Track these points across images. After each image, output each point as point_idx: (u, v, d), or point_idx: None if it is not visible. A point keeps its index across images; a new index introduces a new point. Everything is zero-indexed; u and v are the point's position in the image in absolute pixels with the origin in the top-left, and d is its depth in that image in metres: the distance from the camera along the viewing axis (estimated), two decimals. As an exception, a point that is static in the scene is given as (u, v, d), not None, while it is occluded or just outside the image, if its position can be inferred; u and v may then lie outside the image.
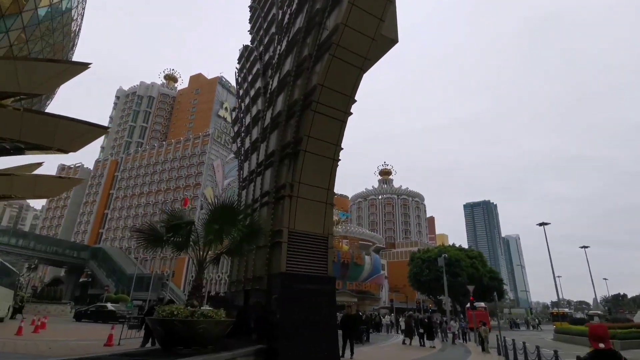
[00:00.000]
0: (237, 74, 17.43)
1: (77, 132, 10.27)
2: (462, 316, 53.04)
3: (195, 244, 7.94)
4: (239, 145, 15.58)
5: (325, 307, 8.70)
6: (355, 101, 10.00)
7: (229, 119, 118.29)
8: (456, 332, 22.93)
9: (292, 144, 9.67)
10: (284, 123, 10.49)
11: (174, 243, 7.71)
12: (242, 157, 14.42)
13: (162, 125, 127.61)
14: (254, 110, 13.59)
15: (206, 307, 7.36)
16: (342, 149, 10.11)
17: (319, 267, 9.05)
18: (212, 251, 8.36)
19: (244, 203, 11.85)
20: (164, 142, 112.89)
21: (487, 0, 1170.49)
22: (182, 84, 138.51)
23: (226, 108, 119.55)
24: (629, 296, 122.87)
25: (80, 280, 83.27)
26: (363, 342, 17.93)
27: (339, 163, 10.13)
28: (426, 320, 19.00)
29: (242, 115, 15.74)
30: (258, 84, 13.64)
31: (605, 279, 75.77)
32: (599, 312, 53.67)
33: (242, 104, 16.00)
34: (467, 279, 49.16)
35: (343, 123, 9.94)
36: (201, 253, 7.65)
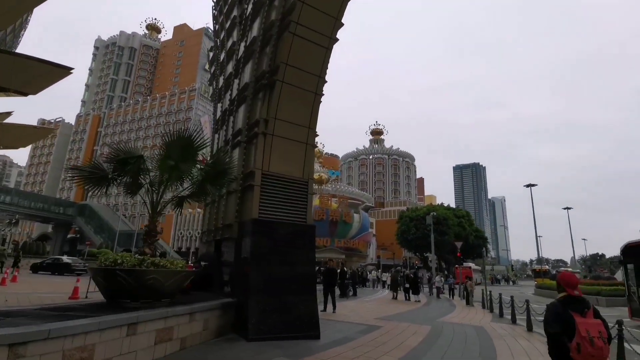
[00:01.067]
0: (213, 7, 15.42)
1: (37, 72, 8.66)
2: (446, 272, 54.48)
3: (152, 185, 6.77)
4: (214, 87, 14.01)
5: (303, 258, 7.79)
6: (342, 25, 8.51)
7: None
8: (441, 287, 22.92)
9: (267, 73, 8.26)
10: (258, 51, 9.00)
11: (123, 184, 6.52)
12: (216, 98, 12.95)
13: (146, 79, 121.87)
14: (229, 44, 11.93)
15: (170, 258, 6.34)
16: (326, 81, 8.75)
17: (296, 214, 8.03)
18: (173, 193, 7.23)
19: (217, 146, 10.59)
20: (148, 97, 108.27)
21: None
22: (166, 35, 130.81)
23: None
24: (607, 256, 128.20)
25: (69, 236, 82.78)
26: (348, 296, 17.61)
27: (323, 99, 8.82)
28: (412, 275, 18.67)
29: (217, 51, 14.01)
30: (234, 13, 11.86)
31: (584, 239, 78.19)
32: (578, 270, 55.49)
33: (218, 40, 14.21)
34: (454, 237, 49.69)
35: (327, 50, 8.51)
36: (155, 195, 6.49)
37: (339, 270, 15.43)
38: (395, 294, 18.68)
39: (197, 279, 9.28)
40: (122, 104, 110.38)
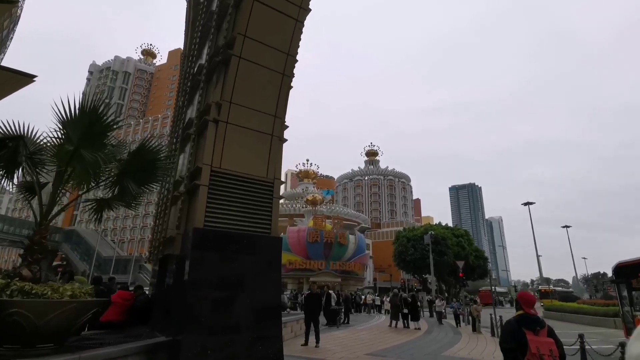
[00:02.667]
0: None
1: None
2: (447, 295, 51.89)
3: (39, 182, 4.99)
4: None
5: (264, 281, 5.95)
6: (315, -8, 7.01)
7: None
8: (443, 311, 20.81)
9: (222, 47, 6.67)
10: (214, 26, 7.47)
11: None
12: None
13: (139, 103, 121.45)
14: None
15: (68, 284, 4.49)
16: (297, 61, 7.18)
17: (258, 223, 6.25)
18: (79, 190, 5.47)
19: (173, 150, 8.88)
20: (140, 120, 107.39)
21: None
22: (162, 59, 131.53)
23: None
24: (609, 275, 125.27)
25: (55, 263, 79.52)
26: (339, 324, 15.51)
27: (294, 86, 7.21)
28: (410, 299, 16.60)
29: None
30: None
31: (584, 258, 76.11)
32: (570, 290, 53.27)
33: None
34: (454, 257, 47.54)
35: (297, 22, 6.98)
36: (51, 196, 4.70)
37: (320, 294, 13.47)
38: (395, 322, 16.57)
39: (137, 309, 7.35)
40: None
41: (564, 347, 3.29)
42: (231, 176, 6.26)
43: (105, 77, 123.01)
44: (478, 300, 18.62)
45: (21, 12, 29.70)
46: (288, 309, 10.92)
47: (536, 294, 61.43)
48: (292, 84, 7.31)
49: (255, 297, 5.75)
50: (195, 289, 5.33)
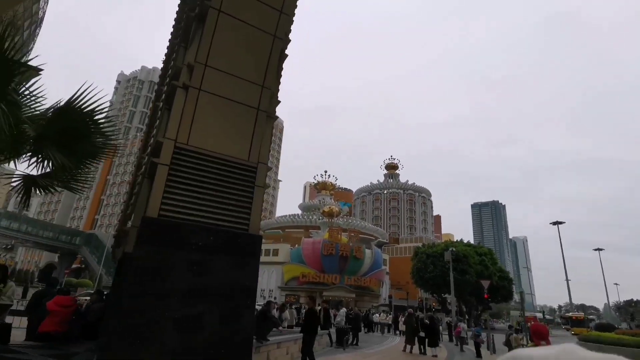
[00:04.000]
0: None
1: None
2: (467, 317, 48.79)
3: None
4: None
5: (235, 290, 4.55)
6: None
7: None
8: (465, 336, 18.70)
9: (199, 0, 5.47)
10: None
11: None
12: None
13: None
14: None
15: None
16: (293, 22, 5.90)
17: (233, 216, 4.89)
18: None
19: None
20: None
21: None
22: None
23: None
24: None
25: (74, 266, 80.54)
26: (346, 346, 13.79)
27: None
28: (427, 320, 14.68)
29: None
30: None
31: (616, 284, 70.52)
32: (590, 318, 48.99)
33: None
34: (476, 276, 44.69)
35: (294, -26, 5.74)
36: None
37: (318, 311, 11.81)
38: (411, 347, 14.67)
39: (88, 319, 6.05)
40: (138, 134, 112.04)
41: None
42: (201, 156, 4.95)
43: (132, 86, 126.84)
44: (520, 329, 16.64)
45: (43, 15, 30.11)
46: (280, 328, 9.38)
47: (558, 320, 57.22)
48: (287, 52, 6.01)
49: (225, 314, 4.33)
50: (135, 299, 3.97)
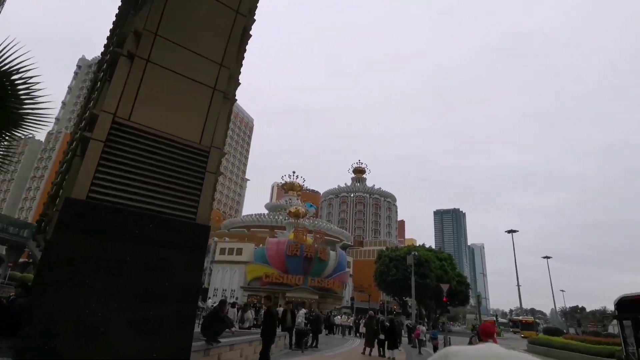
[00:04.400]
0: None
1: None
2: (427, 320, 49.90)
3: None
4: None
5: (174, 287, 4.02)
6: None
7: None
8: (424, 339, 18.88)
9: (152, -39, 4.92)
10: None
11: None
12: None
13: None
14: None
15: None
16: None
17: (179, 203, 4.37)
18: None
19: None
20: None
21: (465, 14, 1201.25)
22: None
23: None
24: (587, 309, 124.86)
25: (21, 260, 74.69)
26: (304, 348, 13.38)
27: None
28: (387, 323, 14.60)
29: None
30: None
31: (562, 290, 75.29)
32: (537, 323, 52.09)
33: None
34: (436, 280, 45.81)
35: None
36: None
37: (276, 312, 11.29)
38: (370, 349, 14.48)
39: (15, 313, 5.27)
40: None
41: None
42: (145, 134, 4.39)
43: (93, 72, 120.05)
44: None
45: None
46: (234, 329, 8.80)
47: (501, 323, 59.94)
48: (252, 33, 5.55)
49: (159, 310, 3.80)
50: (46, 294, 3.36)
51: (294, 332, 13.48)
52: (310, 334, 15.39)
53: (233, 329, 7.76)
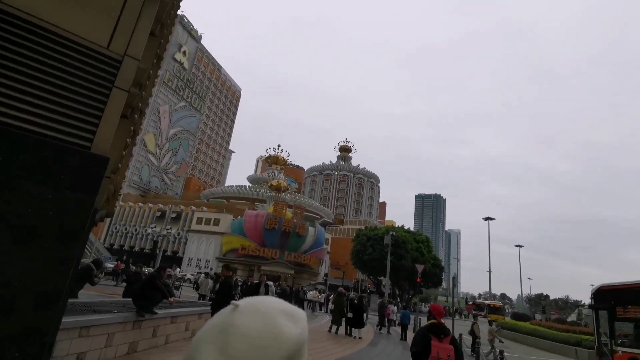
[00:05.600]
0: None
1: None
2: (399, 300, 50.45)
3: None
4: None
5: (49, 244, 2.82)
6: None
7: (186, 65, 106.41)
8: (394, 318, 18.42)
9: None
10: None
11: None
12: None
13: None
14: None
15: None
16: None
17: (69, 125, 3.11)
18: None
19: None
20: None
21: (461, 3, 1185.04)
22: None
23: (184, 52, 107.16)
24: (551, 297, 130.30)
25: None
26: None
27: None
28: (356, 301, 13.85)
29: None
30: None
31: (529, 278, 77.88)
32: (502, 308, 54.04)
33: None
34: (412, 262, 45.96)
35: None
36: None
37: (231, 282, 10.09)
38: (337, 327, 13.75)
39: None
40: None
41: None
42: (26, 25, 3.03)
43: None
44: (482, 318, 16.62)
45: None
46: (173, 299, 7.48)
47: (473, 306, 61.85)
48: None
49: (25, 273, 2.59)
50: None
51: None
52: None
53: (173, 299, 6.64)
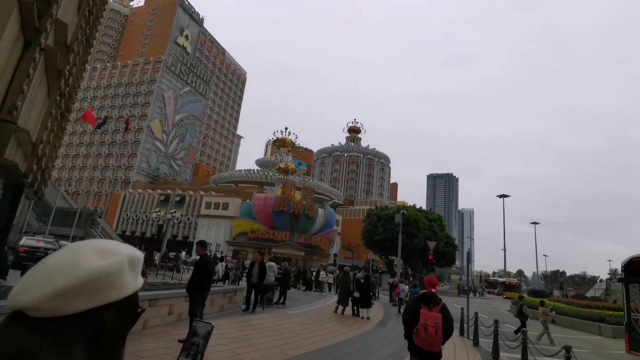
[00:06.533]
0: None
1: None
2: (411, 279, 49.81)
3: None
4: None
5: None
6: None
7: (189, 49, 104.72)
8: (404, 297, 17.62)
9: None
10: None
11: None
12: None
13: (110, 47, 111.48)
14: None
15: None
16: None
17: None
18: None
19: None
20: (108, 64, 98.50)
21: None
22: (140, 2, 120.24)
23: (187, 36, 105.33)
24: (568, 274, 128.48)
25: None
26: (265, 305, 11.77)
27: None
28: (362, 280, 12.99)
29: None
30: None
31: (545, 255, 76.32)
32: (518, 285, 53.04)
33: None
34: (424, 241, 44.99)
35: None
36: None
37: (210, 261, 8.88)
38: (343, 308, 12.97)
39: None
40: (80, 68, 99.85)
41: None
42: None
43: None
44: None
45: None
46: (147, 280, 6.65)
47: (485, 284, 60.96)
48: None
49: None
50: None
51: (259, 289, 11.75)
52: (278, 290, 13.85)
53: (144, 279, 5.84)
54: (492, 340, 8.70)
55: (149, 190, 70.25)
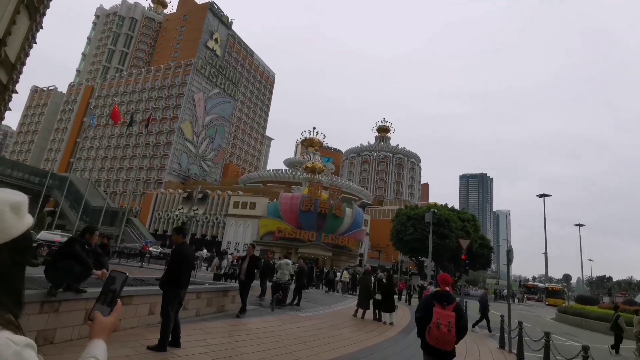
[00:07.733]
0: None
1: None
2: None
3: None
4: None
5: None
6: None
7: (218, 52, 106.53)
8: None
9: None
10: None
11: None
12: None
13: (145, 53, 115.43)
14: None
15: None
16: None
17: None
18: None
19: None
20: (142, 69, 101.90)
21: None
22: (173, 9, 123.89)
23: (216, 39, 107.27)
24: (614, 279, 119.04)
25: (46, 209, 76.82)
26: (274, 307, 10.62)
27: None
28: (385, 280, 11.57)
29: None
30: None
31: (590, 260, 70.18)
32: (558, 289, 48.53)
33: None
34: (456, 242, 42.46)
35: None
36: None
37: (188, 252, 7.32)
38: (363, 311, 11.59)
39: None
40: (116, 75, 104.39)
41: None
42: None
43: (112, 22, 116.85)
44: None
45: None
46: (96, 273, 5.62)
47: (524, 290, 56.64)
48: None
49: None
50: None
51: (268, 288, 10.60)
52: (294, 290, 12.69)
53: (101, 271, 4.76)
54: (542, 355, 7.09)
55: (179, 190, 71.65)
